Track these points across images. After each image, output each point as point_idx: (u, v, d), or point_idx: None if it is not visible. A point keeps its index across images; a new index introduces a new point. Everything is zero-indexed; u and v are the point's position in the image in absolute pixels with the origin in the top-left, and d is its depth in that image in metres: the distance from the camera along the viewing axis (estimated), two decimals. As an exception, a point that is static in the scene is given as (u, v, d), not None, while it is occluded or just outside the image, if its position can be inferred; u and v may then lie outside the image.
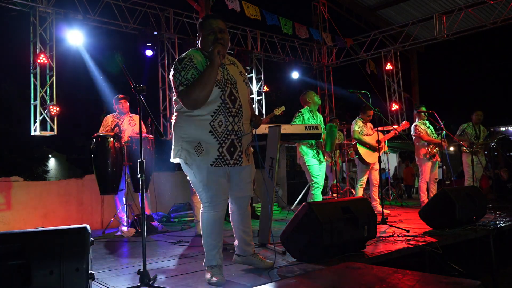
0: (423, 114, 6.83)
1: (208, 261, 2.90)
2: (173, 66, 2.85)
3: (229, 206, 3.09)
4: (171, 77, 2.85)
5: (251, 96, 10.09)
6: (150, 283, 2.72)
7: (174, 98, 2.94)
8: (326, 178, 7.29)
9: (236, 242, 3.17)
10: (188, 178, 2.92)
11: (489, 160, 9.71)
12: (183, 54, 2.87)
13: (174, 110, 2.96)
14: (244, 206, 3.08)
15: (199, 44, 2.97)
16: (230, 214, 3.13)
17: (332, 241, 3.27)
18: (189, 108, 2.77)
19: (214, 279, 2.79)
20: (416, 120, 7.01)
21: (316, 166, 5.54)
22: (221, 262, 2.91)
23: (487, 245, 4.30)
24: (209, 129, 2.77)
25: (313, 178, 5.53)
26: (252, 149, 3.12)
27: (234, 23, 9.79)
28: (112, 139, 5.29)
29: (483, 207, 4.92)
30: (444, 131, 6.35)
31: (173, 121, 2.95)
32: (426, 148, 6.80)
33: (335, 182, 6.61)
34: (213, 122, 2.77)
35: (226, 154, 2.80)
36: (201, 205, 2.90)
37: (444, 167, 7.58)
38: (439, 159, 6.78)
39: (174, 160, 2.93)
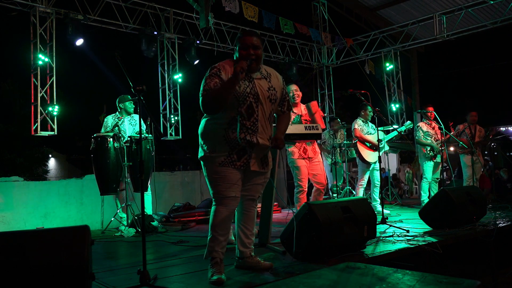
0: (429, 113, 6.85)
1: (208, 252, 2.96)
2: None
3: None
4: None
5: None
6: (150, 283, 2.72)
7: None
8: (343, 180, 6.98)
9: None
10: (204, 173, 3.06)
11: (489, 159, 9.73)
12: (218, 63, 3.04)
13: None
14: (247, 206, 3.15)
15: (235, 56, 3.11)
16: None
17: (332, 241, 3.27)
18: (205, 113, 3.00)
19: (214, 277, 2.80)
20: (422, 119, 7.06)
21: (303, 167, 5.02)
22: (221, 256, 2.95)
23: (487, 245, 4.29)
24: (223, 134, 2.93)
25: (297, 181, 5.05)
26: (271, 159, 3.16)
27: (234, 22, 9.79)
28: (111, 139, 5.29)
29: (483, 207, 4.92)
30: (444, 130, 6.38)
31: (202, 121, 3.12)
32: (424, 149, 6.84)
33: (341, 182, 6.51)
34: (227, 130, 2.93)
35: (234, 157, 2.93)
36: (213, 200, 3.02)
37: (447, 167, 7.59)
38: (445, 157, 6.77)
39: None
